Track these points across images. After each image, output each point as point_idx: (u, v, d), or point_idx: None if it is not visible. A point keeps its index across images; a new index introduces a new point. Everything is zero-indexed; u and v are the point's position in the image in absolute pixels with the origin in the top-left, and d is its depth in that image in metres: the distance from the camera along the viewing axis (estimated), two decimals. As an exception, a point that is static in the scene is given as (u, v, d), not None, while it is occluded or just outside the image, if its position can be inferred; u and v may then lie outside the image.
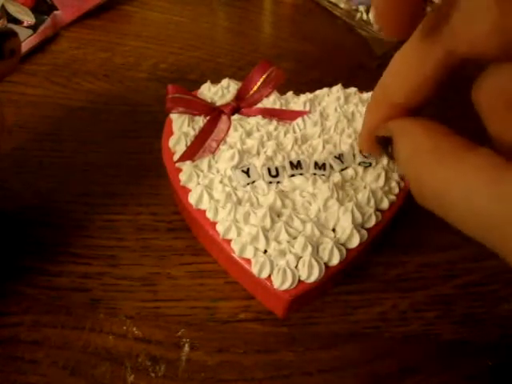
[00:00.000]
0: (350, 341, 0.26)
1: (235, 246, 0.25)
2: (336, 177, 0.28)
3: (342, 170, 0.28)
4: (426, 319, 0.27)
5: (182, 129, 0.30)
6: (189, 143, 0.30)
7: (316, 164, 0.28)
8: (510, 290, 0.29)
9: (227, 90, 0.33)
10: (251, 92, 0.33)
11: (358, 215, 0.26)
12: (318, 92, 0.34)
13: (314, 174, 0.27)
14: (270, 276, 0.24)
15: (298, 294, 0.24)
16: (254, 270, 0.24)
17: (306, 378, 0.25)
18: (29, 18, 0.42)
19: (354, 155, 0.29)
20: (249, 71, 0.33)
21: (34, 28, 0.42)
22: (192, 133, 0.30)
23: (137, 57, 0.43)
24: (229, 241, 0.26)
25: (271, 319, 0.27)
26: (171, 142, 0.30)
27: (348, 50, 0.44)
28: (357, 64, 0.42)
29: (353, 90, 0.34)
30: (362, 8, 0.45)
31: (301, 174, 0.28)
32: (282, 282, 0.24)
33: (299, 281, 0.24)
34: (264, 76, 0.33)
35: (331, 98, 0.33)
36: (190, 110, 0.31)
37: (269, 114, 0.31)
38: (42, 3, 0.43)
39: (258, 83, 0.33)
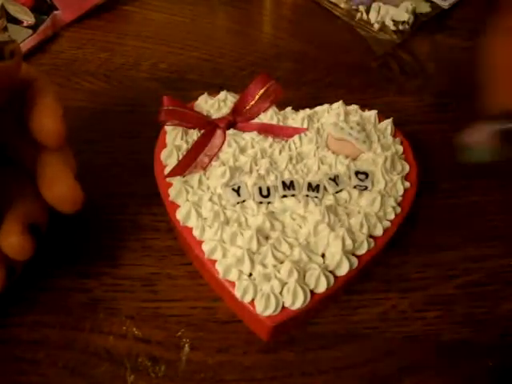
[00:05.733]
0: (350, 341, 0.26)
1: (219, 268, 0.25)
2: (329, 200, 0.27)
3: (337, 192, 0.27)
4: (426, 319, 0.27)
5: (174, 142, 0.30)
6: (181, 157, 0.29)
7: (309, 185, 0.27)
8: (510, 290, 0.29)
9: (224, 103, 0.32)
10: (248, 106, 0.32)
11: (348, 242, 0.25)
12: (317, 108, 0.33)
13: (307, 196, 0.27)
14: (253, 300, 0.24)
15: (281, 320, 0.24)
16: (237, 293, 0.24)
17: (306, 378, 0.25)
18: (29, 18, 0.42)
19: (349, 177, 0.28)
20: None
21: (33, 28, 0.42)
22: (185, 146, 0.29)
23: (137, 57, 0.43)
24: (213, 261, 0.25)
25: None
26: (163, 155, 0.29)
27: (348, 50, 0.44)
28: (357, 64, 0.42)
29: (354, 107, 0.33)
30: (362, 8, 0.45)
31: (293, 195, 0.27)
32: (264, 308, 0.23)
33: (283, 307, 0.24)
34: (262, 90, 0.32)
35: (331, 114, 0.32)
36: (184, 123, 0.30)
37: (265, 130, 0.31)
38: (42, 3, 0.43)
39: (256, 97, 0.32)
